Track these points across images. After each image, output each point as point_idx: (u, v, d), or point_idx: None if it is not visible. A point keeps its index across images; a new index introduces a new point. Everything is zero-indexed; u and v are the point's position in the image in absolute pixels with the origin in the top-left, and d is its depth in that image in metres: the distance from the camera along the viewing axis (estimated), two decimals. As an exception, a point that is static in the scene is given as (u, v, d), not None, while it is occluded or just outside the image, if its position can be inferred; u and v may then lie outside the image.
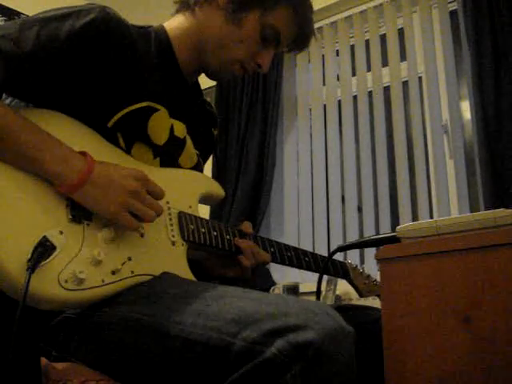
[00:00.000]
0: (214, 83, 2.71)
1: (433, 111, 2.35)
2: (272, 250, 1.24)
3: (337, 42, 2.73)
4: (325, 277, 1.95)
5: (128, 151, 1.07)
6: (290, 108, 2.83)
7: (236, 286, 0.90)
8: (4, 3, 2.95)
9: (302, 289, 2.17)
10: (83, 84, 1.01)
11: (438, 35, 2.41)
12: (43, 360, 0.95)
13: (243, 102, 2.71)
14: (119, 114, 1.04)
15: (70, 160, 0.92)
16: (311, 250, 1.33)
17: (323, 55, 2.75)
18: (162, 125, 1.11)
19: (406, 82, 2.47)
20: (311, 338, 0.72)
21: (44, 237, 0.86)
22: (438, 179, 2.28)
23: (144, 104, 1.07)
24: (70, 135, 0.97)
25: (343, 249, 1.07)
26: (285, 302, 0.79)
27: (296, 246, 1.33)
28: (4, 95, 1.04)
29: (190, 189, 1.18)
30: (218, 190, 1.26)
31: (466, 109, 2.30)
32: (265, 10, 1.13)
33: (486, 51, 2.04)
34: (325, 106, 2.71)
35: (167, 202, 1.07)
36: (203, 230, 1.12)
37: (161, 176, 1.10)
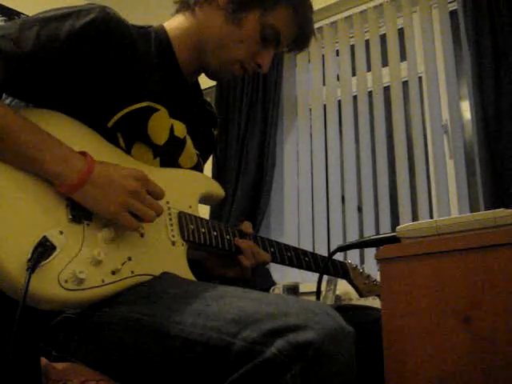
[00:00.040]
0: (214, 83, 2.71)
1: (433, 111, 2.35)
2: (272, 249, 1.24)
3: (337, 42, 2.73)
4: (325, 277, 1.95)
5: (128, 151, 1.07)
6: (290, 108, 2.83)
7: (236, 286, 0.90)
8: (4, 3, 2.95)
9: (301, 289, 2.17)
10: (83, 84, 1.01)
11: (438, 35, 2.41)
12: (43, 360, 0.95)
13: (243, 102, 2.71)
14: (119, 114, 1.04)
15: (70, 160, 0.92)
16: (311, 250, 1.33)
17: (323, 55, 2.75)
18: (162, 125, 1.11)
19: (406, 82, 2.47)
20: (311, 338, 0.72)
21: (44, 237, 0.86)
22: (438, 179, 2.28)
23: (144, 104, 1.07)
24: (69, 135, 0.97)
25: (343, 249, 1.07)
26: (285, 302, 0.79)
27: (296, 246, 1.33)
28: (4, 95, 1.04)
29: (189, 189, 1.18)
30: (217, 189, 1.26)
31: (466, 109, 2.30)
32: (265, 10, 1.13)
33: (486, 51, 2.04)
34: (325, 106, 2.70)
35: (167, 202, 1.07)
36: (203, 230, 1.12)
37: (161, 176, 1.10)
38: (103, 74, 1.02)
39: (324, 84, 2.74)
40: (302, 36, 1.20)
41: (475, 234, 0.79)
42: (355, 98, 2.63)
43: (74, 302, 0.89)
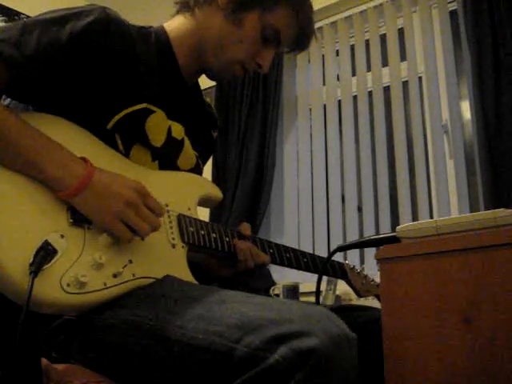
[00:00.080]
0: (213, 83, 2.71)
1: (433, 111, 2.35)
2: (271, 251, 1.24)
3: (337, 42, 2.73)
4: (325, 277, 1.95)
5: (127, 154, 1.07)
6: (290, 108, 2.83)
7: (237, 290, 0.90)
8: (4, 3, 2.95)
9: (301, 289, 2.16)
10: (83, 86, 1.01)
11: (438, 35, 2.41)
12: (44, 361, 0.95)
13: (243, 102, 2.71)
14: (118, 116, 1.03)
15: (69, 165, 0.92)
16: (311, 250, 1.33)
17: (323, 55, 2.75)
18: (160, 126, 1.11)
19: (406, 82, 2.47)
20: (314, 345, 0.71)
21: (45, 241, 0.86)
22: (438, 179, 2.28)
23: (142, 106, 1.07)
24: (69, 139, 0.97)
25: (343, 249, 1.07)
26: (288, 308, 0.79)
27: (296, 246, 1.33)
28: (3, 96, 1.04)
29: (188, 191, 1.17)
30: (216, 192, 1.25)
31: (466, 109, 2.30)
32: (264, 10, 1.13)
33: (486, 51, 2.04)
34: (325, 106, 2.71)
35: (166, 205, 1.07)
36: (203, 232, 1.12)
37: (159, 179, 1.10)
38: (103, 75, 1.02)
39: (324, 84, 2.74)
40: (302, 36, 1.20)
41: (475, 234, 0.79)
42: (355, 98, 2.63)
43: (76, 306, 0.89)
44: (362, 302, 1.75)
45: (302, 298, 2.16)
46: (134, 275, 0.95)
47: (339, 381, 0.73)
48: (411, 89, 2.43)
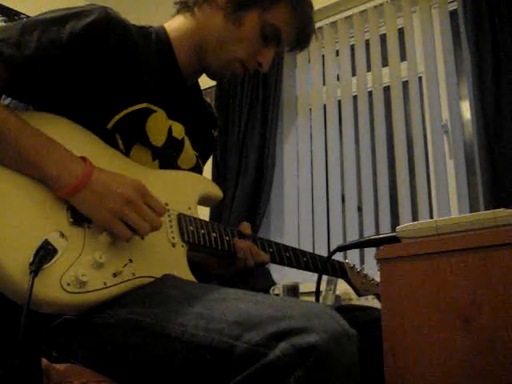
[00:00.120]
0: (213, 83, 2.71)
1: (433, 111, 2.35)
2: (271, 250, 1.24)
3: (337, 42, 2.73)
4: (325, 277, 1.95)
5: (127, 153, 1.07)
6: (290, 108, 2.83)
7: (237, 289, 0.90)
8: (4, 3, 2.95)
9: (301, 289, 2.16)
10: (84, 85, 1.01)
11: (438, 35, 2.41)
12: (44, 361, 0.95)
13: (243, 102, 2.71)
14: (119, 116, 1.03)
15: (69, 164, 0.92)
16: (311, 250, 1.33)
17: (323, 55, 2.75)
18: (160, 126, 1.11)
19: (406, 82, 2.47)
20: (315, 342, 0.71)
21: (45, 240, 0.86)
22: (438, 179, 2.28)
23: (142, 105, 1.07)
24: (69, 138, 0.97)
25: (343, 249, 1.07)
26: (288, 305, 0.79)
27: (296, 246, 1.33)
28: (3, 96, 1.04)
29: (188, 190, 1.17)
30: (216, 191, 1.25)
31: (466, 109, 2.30)
32: (264, 9, 1.13)
33: (486, 51, 2.04)
34: (325, 106, 2.71)
35: (166, 204, 1.07)
36: (203, 232, 1.12)
37: (160, 178, 1.10)
38: (104, 75, 1.02)
39: (324, 84, 2.74)
40: (302, 34, 1.20)
41: (475, 234, 0.79)
42: (355, 98, 2.63)
43: (76, 305, 0.89)
44: (362, 301, 1.75)
45: (302, 298, 2.16)
46: (133, 274, 0.95)
47: (339, 377, 0.73)
48: (411, 89, 2.43)
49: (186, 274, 1.04)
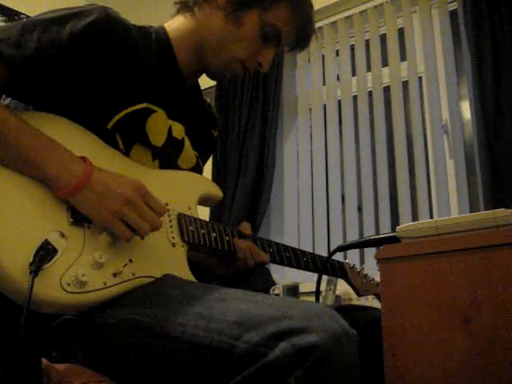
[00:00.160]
0: (213, 83, 2.71)
1: (433, 111, 2.35)
2: (271, 250, 1.24)
3: (337, 42, 2.73)
4: (325, 277, 1.95)
5: (127, 153, 1.07)
6: (290, 108, 2.83)
7: (236, 289, 0.90)
8: (4, 3, 2.95)
9: (301, 289, 2.16)
10: (84, 85, 1.01)
11: (438, 35, 2.41)
12: (44, 361, 0.95)
13: (243, 102, 2.71)
14: (119, 116, 1.03)
15: (68, 164, 0.92)
16: (311, 250, 1.33)
17: (323, 55, 2.75)
18: (160, 126, 1.11)
19: (406, 82, 2.47)
20: (315, 342, 0.71)
21: (45, 240, 0.86)
22: (438, 179, 2.28)
23: (142, 105, 1.07)
24: (69, 138, 0.97)
25: (343, 249, 1.07)
26: (288, 305, 0.79)
27: (296, 246, 1.33)
28: (3, 96, 1.04)
29: (188, 190, 1.17)
30: (216, 191, 1.25)
31: (466, 109, 2.30)
32: (264, 9, 1.13)
33: (486, 51, 2.04)
34: (325, 106, 2.71)
35: (166, 204, 1.07)
36: (203, 232, 1.12)
37: (160, 178, 1.11)
38: (104, 75, 1.02)
39: (324, 84, 2.74)
40: (302, 34, 1.20)
41: (475, 234, 0.79)
42: (355, 98, 2.63)
43: (76, 305, 0.89)
44: (362, 301, 1.75)
45: (302, 298, 2.16)
46: (133, 274, 0.95)
47: (339, 377, 0.73)
48: (411, 89, 2.43)
49: (186, 274, 1.04)
